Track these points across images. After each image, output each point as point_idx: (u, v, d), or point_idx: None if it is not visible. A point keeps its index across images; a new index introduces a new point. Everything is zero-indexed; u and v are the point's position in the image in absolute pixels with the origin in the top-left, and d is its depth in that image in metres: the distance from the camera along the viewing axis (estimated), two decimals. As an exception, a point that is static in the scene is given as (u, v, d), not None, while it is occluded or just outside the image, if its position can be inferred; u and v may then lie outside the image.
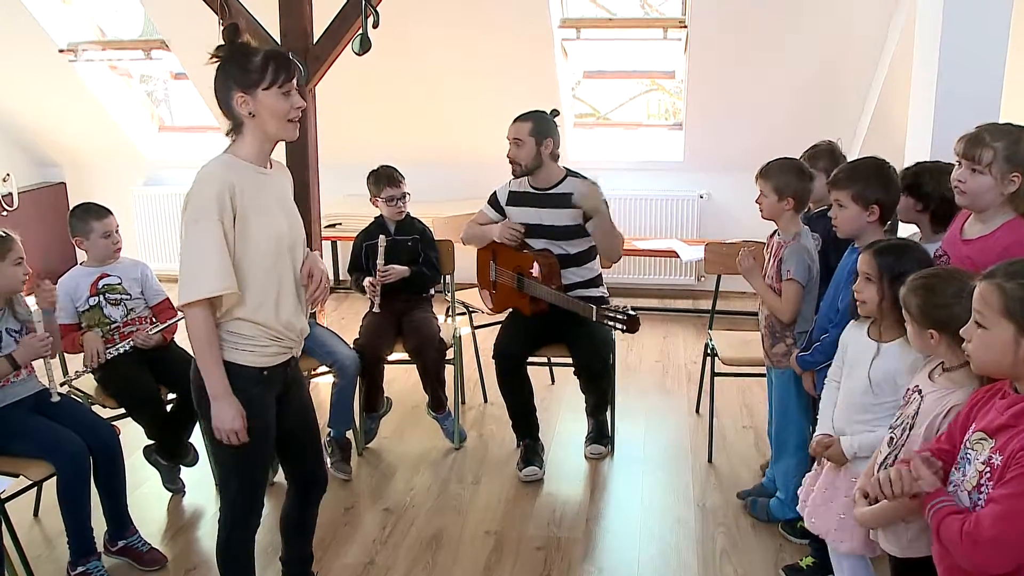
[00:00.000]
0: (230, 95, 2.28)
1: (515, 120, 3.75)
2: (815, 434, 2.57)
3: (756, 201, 3.14)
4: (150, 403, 3.41)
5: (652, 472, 3.80)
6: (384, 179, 3.94)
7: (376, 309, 3.89)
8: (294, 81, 2.30)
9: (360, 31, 4.03)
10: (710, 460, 3.86)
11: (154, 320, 3.58)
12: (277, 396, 2.48)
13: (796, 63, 5.37)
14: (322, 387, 4.31)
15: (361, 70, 4.72)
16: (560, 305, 3.61)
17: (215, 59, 2.30)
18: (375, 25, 4.00)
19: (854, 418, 2.43)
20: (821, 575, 2.84)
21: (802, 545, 3.10)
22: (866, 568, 2.49)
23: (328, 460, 3.74)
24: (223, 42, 2.32)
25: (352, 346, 3.84)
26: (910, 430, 2.06)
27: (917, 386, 2.12)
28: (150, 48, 6.25)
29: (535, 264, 3.69)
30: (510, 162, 3.77)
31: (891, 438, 2.12)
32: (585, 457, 3.93)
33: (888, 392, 2.34)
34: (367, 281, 3.89)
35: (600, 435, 3.98)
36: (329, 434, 3.80)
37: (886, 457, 2.12)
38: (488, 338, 4.15)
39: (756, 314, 3.35)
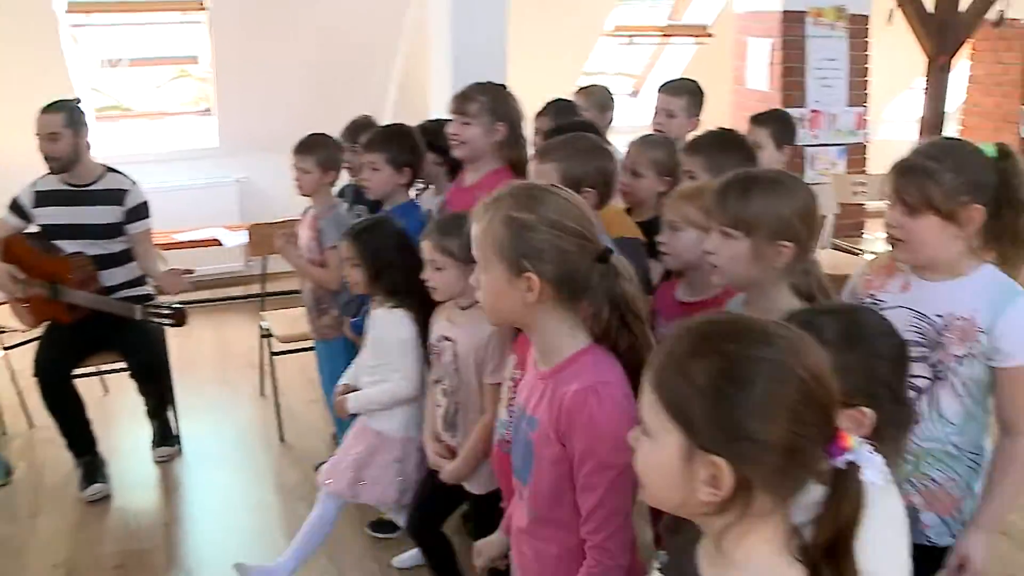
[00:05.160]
0: None
1: (43, 112, 3.45)
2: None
3: (296, 179, 3.26)
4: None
5: (226, 463, 3.79)
6: None
7: None
8: None
9: None
10: (282, 439, 3.95)
11: None
12: None
13: (320, 39, 5.52)
14: None
15: None
16: (101, 309, 3.42)
17: None
18: None
19: (363, 377, 2.74)
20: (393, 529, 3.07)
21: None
22: (336, 512, 2.81)
23: None
24: None
25: None
26: (457, 373, 2.31)
27: (441, 336, 2.37)
28: None
29: (69, 269, 3.43)
30: (46, 159, 3.47)
31: (444, 389, 2.38)
32: (154, 462, 3.79)
33: (382, 352, 2.65)
34: None
35: (165, 436, 3.86)
36: None
37: (447, 405, 2.36)
38: (24, 357, 3.77)
39: (306, 291, 3.48)
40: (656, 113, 3.32)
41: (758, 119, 3.27)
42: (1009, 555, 3.10)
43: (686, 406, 1.03)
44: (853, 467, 1.01)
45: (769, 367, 1.01)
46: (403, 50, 5.67)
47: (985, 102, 6.63)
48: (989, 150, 1.81)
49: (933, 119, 5.54)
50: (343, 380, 2.83)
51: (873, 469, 1.01)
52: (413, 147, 2.99)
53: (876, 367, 1.39)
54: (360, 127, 3.56)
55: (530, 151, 2.93)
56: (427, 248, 2.29)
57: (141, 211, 3.64)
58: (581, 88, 3.75)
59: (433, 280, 2.31)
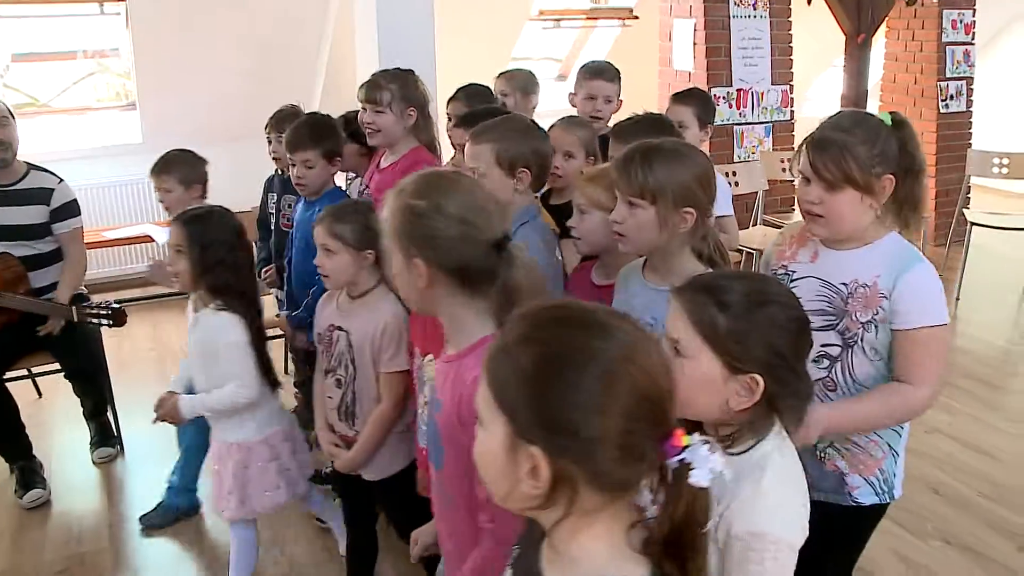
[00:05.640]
0: None
1: None
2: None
3: (161, 200, 3.34)
4: None
5: (169, 461, 3.71)
6: None
7: None
8: None
9: None
10: (225, 435, 3.91)
11: None
12: None
13: (244, 28, 5.45)
14: None
15: None
16: (33, 311, 3.37)
17: None
18: None
19: (199, 379, 2.57)
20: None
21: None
22: (254, 531, 2.72)
23: None
24: None
25: None
26: (352, 363, 2.32)
27: (331, 325, 2.36)
28: None
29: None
30: None
31: (338, 379, 2.37)
32: (94, 463, 3.75)
33: (210, 357, 2.46)
34: None
35: (105, 437, 3.83)
36: None
37: (342, 395, 2.35)
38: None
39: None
40: (592, 99, 3.29)
41: (680, 97, 3.30)
42: (944, 514, 3.24)
43: (510, 393, 0.98)
44: (686, 466, 0.97)
45: (600, 360, 0.96)
46: (330, 37, 5.63)
47: (904, 78, 6.82)
48: (886, 119, 1.87)
49: (854, 96, 5.69)
50: (170, 387, 2.67)
51: (704, 470, 0.97)
52: (338, 136, 3.03)
53: (774, 336, 1.40)
54: (286, 117, 3.54)
55: (444, 137, 3.04)
56: (319, 233, 2.28)
57: (69, 210, 3.58)
58: (502, 72, 3.74)
59: (325, 266, 2.30)
